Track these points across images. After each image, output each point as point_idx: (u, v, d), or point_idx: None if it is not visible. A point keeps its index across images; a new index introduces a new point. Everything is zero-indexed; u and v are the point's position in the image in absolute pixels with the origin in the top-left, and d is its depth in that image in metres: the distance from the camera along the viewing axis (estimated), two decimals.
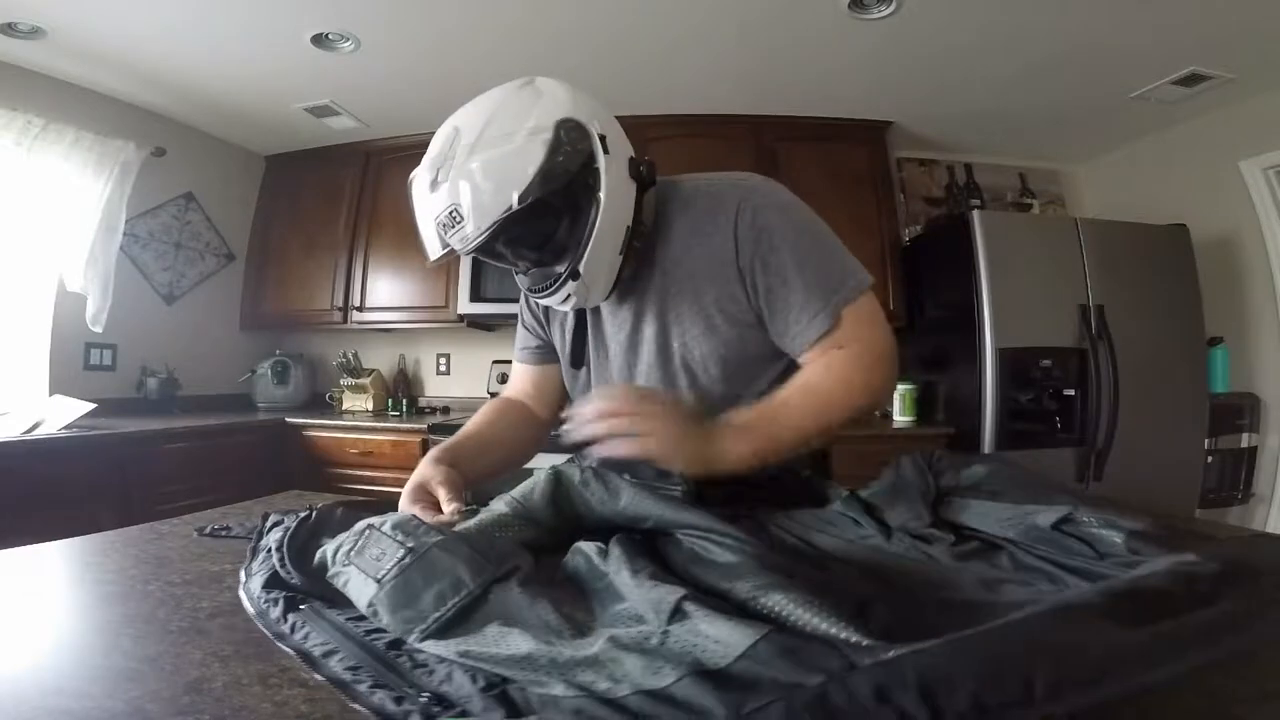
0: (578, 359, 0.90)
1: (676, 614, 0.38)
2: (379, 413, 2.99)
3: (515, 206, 0.66)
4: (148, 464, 2.11)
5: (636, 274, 0.82)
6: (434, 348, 3.28)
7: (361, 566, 0.49)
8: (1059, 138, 3.00)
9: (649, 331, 0.83)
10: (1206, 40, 2.14)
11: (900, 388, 2.64)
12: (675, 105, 2.72)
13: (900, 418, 2.61)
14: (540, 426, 1.00)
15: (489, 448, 0.89)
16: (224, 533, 0.76)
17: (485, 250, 0.73)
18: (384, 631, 0.45)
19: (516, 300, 1.02)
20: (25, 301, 2.40)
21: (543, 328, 0.97)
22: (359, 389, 3.05)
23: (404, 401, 3.05)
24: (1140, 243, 2.44)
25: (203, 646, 0.46)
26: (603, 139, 0.73)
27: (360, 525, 0.54)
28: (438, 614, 0.43)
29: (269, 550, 0.58)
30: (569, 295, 0.76)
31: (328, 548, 0.54)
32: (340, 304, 3.01)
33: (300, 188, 3.19)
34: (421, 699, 0.37)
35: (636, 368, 0.86)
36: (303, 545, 0.58)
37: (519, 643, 0.39)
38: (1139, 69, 2.36)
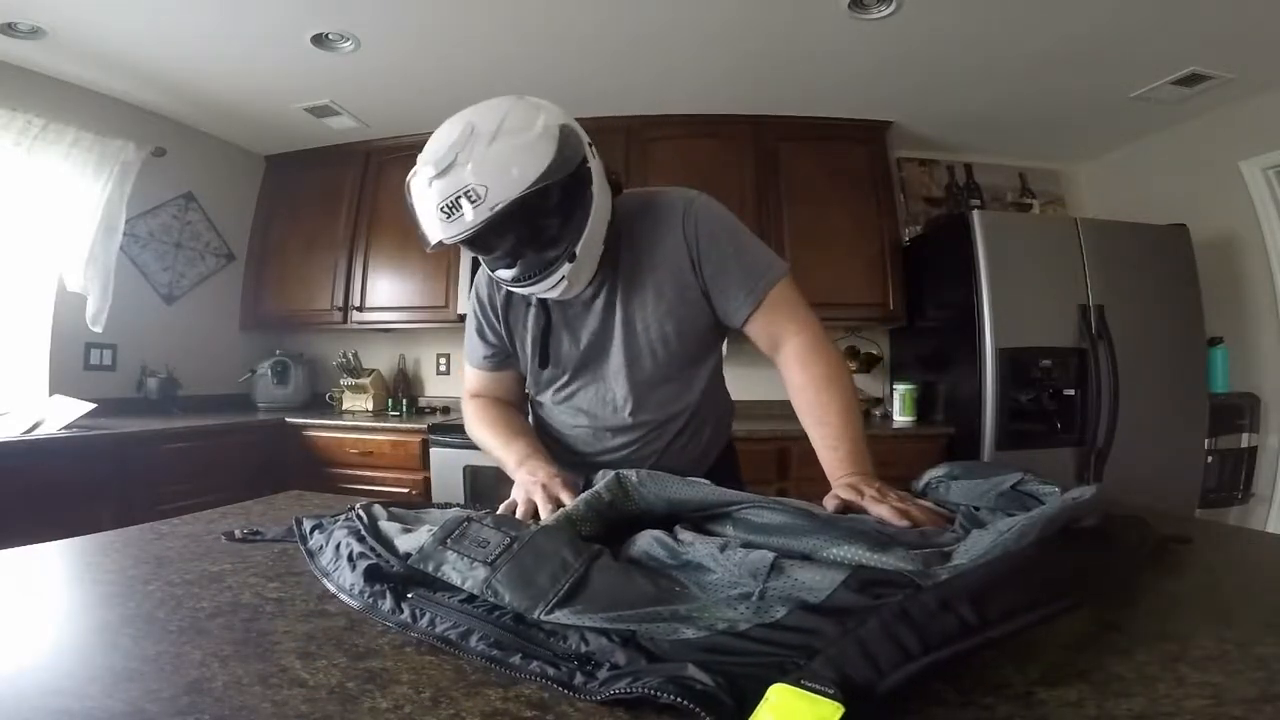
0: (545, 359, 0.99)
1: (774, 570, 0.48)
2: (379, 413, 2.99)
3: (537, 184, 0.75)
4: (148, 464, 2.12)
5: (603, 274, 0.93)
6: (434, 348, 3.28)
7: (463, 552, 0.53)
8: (1059, 138, 3.00)
9: (618, 318, 0.96)
10: (1206, 40, 2.14)
11: (900, 388, 2.64)
12: (675, 105, 2.72)
13: (900, 418, 2.61)
14: (517, 410, 1.13)
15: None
16: (256, 538, 0.74)
17: (491, 232, 0.78)
18: (500, 610, 0.48)
19: None
20: (25, 301, 2.40)
21: (500, 337, 1.04)
22: (359, 389, 3.05)
23: (404, 401, 3.05)
24: (1140, 243, 2.44)
25: (203, 646, 0.46)
26: (590, 146, 0.85)
27: (457, 516, 0.58)
28: (556, 588, 0.48)
29: (338, 547, 0.60)
30: (562, 278, 0.84)
31: (415, 537, 0.58)
32: (340, 304, 3.01)
33: (300, 188, 3.19)
34: (573, 661, 0.42)
35: (609, 350, 0.98)
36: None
37: (626, 606, 0.46)
38: (1139, 69, 2.36)
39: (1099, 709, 0.37)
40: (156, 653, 0.45)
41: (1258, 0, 1.91)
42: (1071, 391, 2.33)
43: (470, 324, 1.07)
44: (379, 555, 0.56)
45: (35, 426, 2.04)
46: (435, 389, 3.28)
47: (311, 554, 0.62)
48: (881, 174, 2.86)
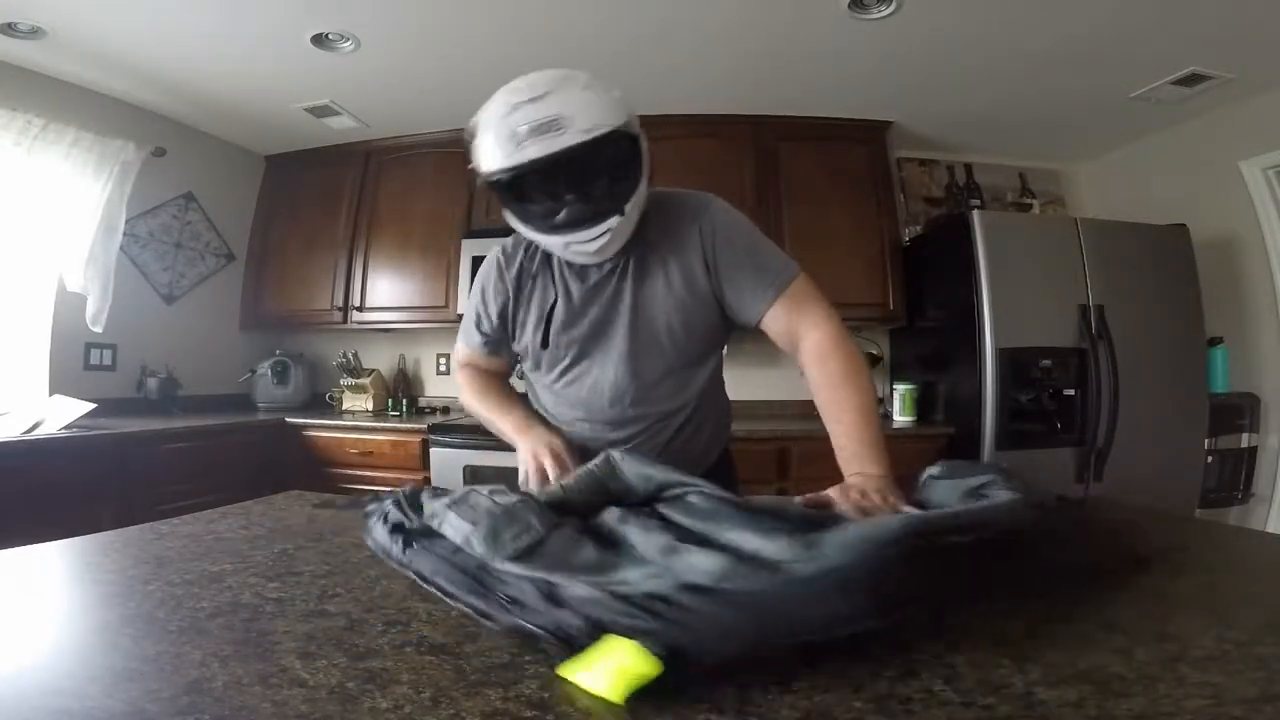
0: (547, 339, 1.01)
1: (670, 550, 0.55)
2: (379, 413, 2.99)
3: (622, 129, 0.83)
4: (148, 464, 2.11)
5: (617, 259, 0.96)
6: (434, 348, 3.28)
7: (459, 514, 0.65)
8: (1059, 138, 3.00)
9: (627, 304, 0.98)
10: (1206, 40, 2.14)
11: (900, 388, 2.64)
12: (675, 105, 2.72)
13: (900, 418, 2.61)
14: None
15: None
16: (329, 506, 0.92)
17: (561, 167, 0.82)
18: (471, 559, 0.60)
19: None
20: (25, 301, 2.40)
21: (496, 327, 1.07)
22: (359, 389, 3.05)
23: (404, 401, 3.05)
24: (1140, 243, 2.44)
25: (203, 646, 0.46)
26: None
27: (465, 489, 0.71)
28: (515, 545, 0.58)
29: (384, 514, 0.74)
30: (607, 230, 0.87)
31: (435, 503, 0.70)
32: (340, 304, 3.01)
33: (300, 188, 3.19)
34: (500, 599, 0.52)
35: (615, 336, 0.99)
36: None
37: (568, 568, 0.56)
38: (1139, 69, 2.36)
39: (1099, 709, 0.37)
40: (156, 653, 0.45)
41: (1258, 0, 1.91)
42: (1071, 391, 2.33)
43: (471, 309, 1.10)
44: (408, 517, 0.70)
45: (35, 426, 2.04)
46: (435, 389, 3.28)
47: (367, 515, 0.77)
48: (881, 174, 2.86)
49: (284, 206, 3.21)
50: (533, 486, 0.80)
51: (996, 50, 2.26)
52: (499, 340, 1.09)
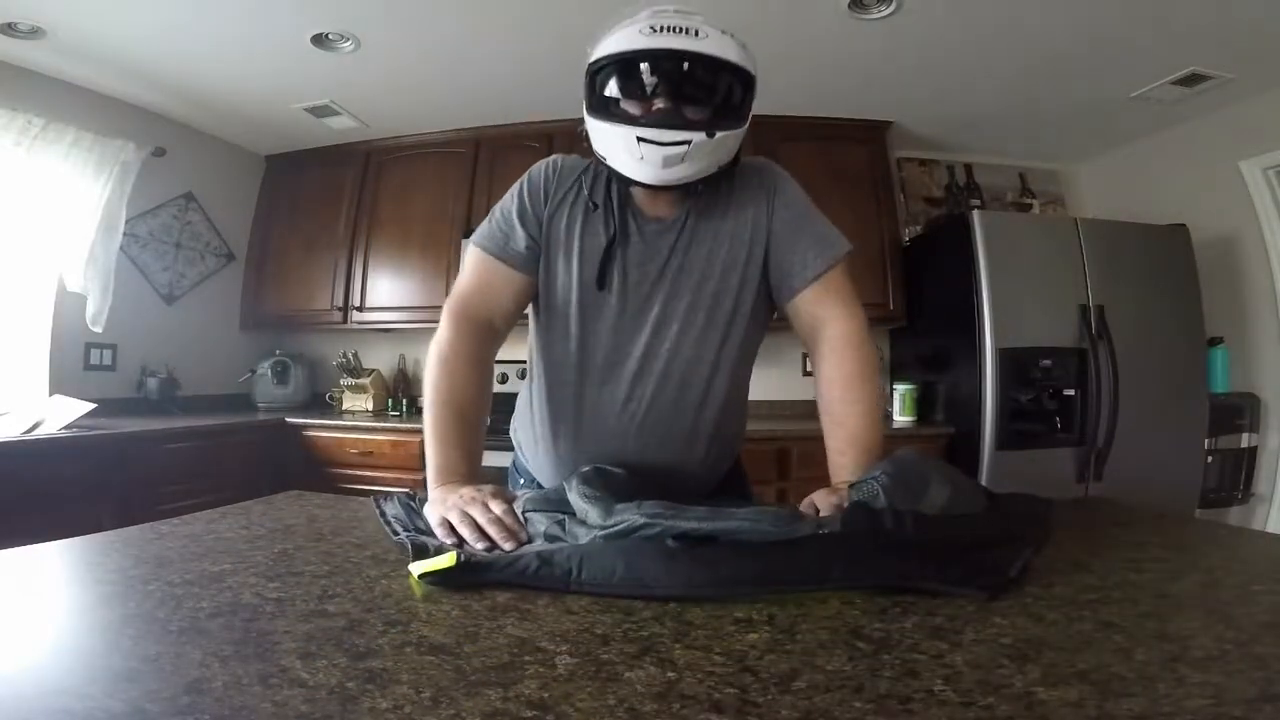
0: (604, 280, 0.93)
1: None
2: (379, 413, 2.99)
3: (744, 66, 0.86)
4: (148, 464, 2.12)
5: (679, 213, 0.95)
6: None
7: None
8: (1059, 138, 3.00)
9: (691, 257, 0.95)
10: (1206, 40, 2.14)
11: (900, 388, 2.64)
12: None
13: (900, 418, 2.61)
14: (496, 351, 1.00)
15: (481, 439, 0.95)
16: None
17: (676, 62, 0.83)
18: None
19: None
20: (25, 301, 2.40)
21: (535, 239, 0.96)
22: (359, 389, 3.05)
23: (404, 401, 3.05)
24: (1140, 243, 2.44)
25: (203, 646, 0.46)
26: None
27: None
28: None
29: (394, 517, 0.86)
30: (685, 143, 0.83)
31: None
32: (340, 304, 3.01)
33: (300, 188, 3.19)
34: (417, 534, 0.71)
35: (679, 291, 0.94)
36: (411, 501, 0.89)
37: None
38: (1139, 69, 2.36)
39: (1099, 709, 0.37)
40: (156, 653, 0.45)
41: (1258, 0, 1.91)
42: (1071, 391, 2.33)
43: (511, 206, 0.97)
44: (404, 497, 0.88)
45: (35, 426, 2.04)
46: None
47: (382, 512, 0.84)
48: (881, 174, 2.86)
49: (284, 206, 3.21)
50: (468, 537, 0.72)
51: (996, 50, 2.26)
52: (536, 247, 0.96)
